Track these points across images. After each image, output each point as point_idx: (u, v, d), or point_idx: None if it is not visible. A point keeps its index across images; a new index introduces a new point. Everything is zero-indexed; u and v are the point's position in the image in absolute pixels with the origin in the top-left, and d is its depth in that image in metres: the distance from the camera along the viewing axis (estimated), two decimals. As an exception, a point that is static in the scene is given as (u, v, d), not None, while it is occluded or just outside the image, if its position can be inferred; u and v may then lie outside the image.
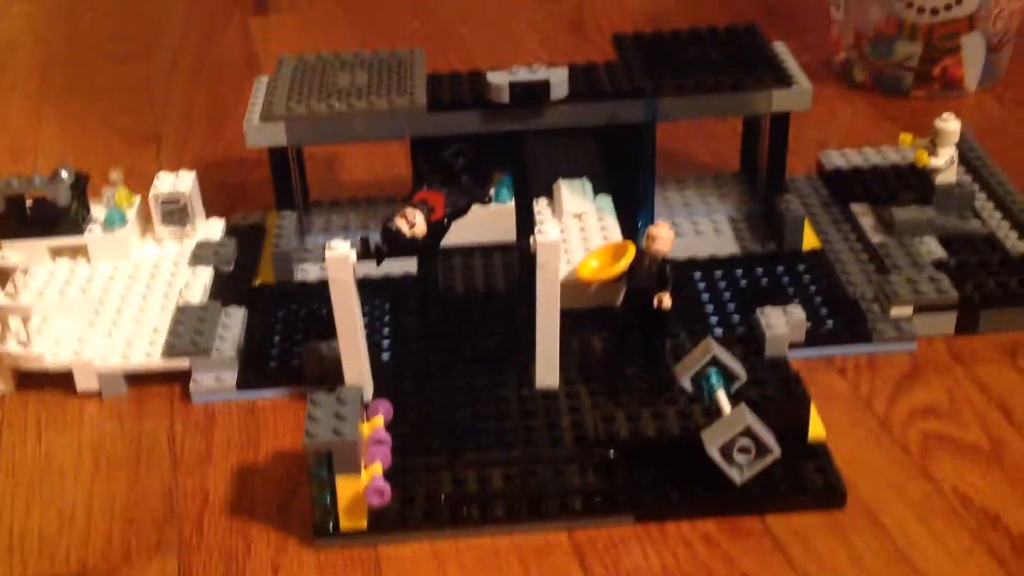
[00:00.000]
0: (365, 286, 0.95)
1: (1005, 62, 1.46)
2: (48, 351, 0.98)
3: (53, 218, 1.08)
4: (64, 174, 1.08)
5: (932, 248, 1.08)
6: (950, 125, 1.09)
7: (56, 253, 1.10)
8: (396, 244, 0.88)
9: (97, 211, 1.12)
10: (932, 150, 1.10)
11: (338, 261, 0.86)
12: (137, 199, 1.13)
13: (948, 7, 1.38)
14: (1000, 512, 0.83)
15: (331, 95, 1.09)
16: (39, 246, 1.08)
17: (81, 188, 1.10)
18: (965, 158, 1.18)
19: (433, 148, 1.04)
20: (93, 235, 1.09)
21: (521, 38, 1.68)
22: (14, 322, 0.98)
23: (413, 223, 0.88)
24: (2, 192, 1.06)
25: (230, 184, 1.31)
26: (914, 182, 1.15)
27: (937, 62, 1.42)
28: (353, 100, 1.08)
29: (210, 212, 1.17)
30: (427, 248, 0.90)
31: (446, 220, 0.91)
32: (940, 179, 1.11)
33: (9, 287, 0.97)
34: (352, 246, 0.86)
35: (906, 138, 1.12)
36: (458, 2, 1.81)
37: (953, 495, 0.85)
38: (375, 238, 0.89)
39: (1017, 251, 1.07)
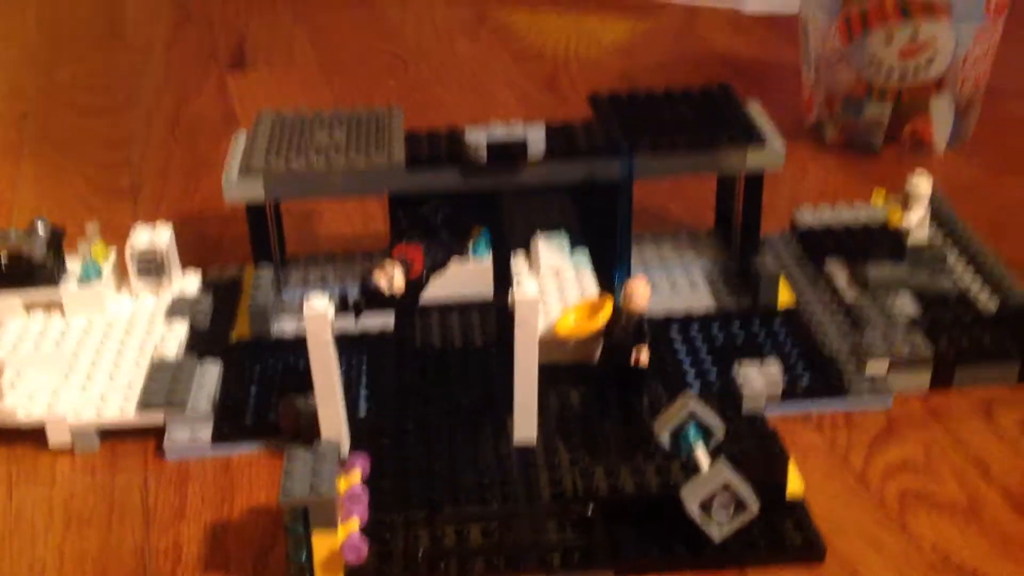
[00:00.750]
0: (342, 341, 0.94)
1: (973, 123, 1.49)
2: (21, 406, 0.97)
3: (28, 272, 1.07)
4: (40, 228, 1.07)
5: (906, 305, 1.09)
6: (921, 185, 1.11)
7: (30, 307, 1.09)
8: (375, 299, 0.88)
9: (73, 265, 1.11)
10: (904, 209, 1.12)
11: (317, 318, 0.85)
12: (113, 253, 1.12)
13: (916, 71, 1.40)
14: (978, 568, 0.83)
15: (310, 151, 1.10)
16: (13, 300, 1.07)
17: (57, 242, 1.09)
18: (936, 217, 1.20)
19: (412, 203, 1.04)
20: (68, 289, 1.08)
21: (497, 96, 1.69)
22: (-13, 376, 0.97)
23: (392, 278, 0.88)
24: (-23, 246, 1.06)
25: (207, 238, 1.31)
26: (887, 240, 1.16)
27: (907, 122, 1.44)
28: (332, 156, 1.09)
29: (186, 265, 1.16)
30: (406, 304, 0.90)
31: (425, 275, 0.91)
32: (913, 237, 1.13)
33: (-18, 341, 0.96)
34: (330, 301, 0.86)
35: (878, 196, 1.14)
36: (434, 61, 1.83)
37: (932, 551, 0.85)
38: (353, 293, 0.89)
39: (989, 308, 1.08)
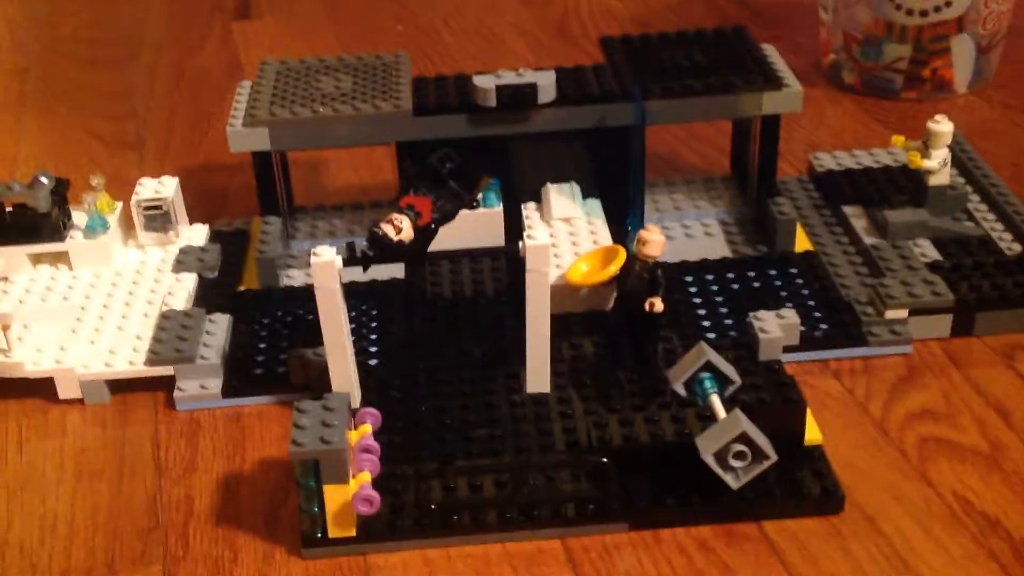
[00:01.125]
0: (351, 292, 0.93)
1: (995, 63, 1.45)
2: (29, 359, 0.96)
3: (33, 224, 1.06)
4: (44, 180, 1.05)
5: (926, 250, 1.07)
6: (943, 127, 1.08)
7: (37, 260, 1.08)
8: (383, 249, 0.86)
9: (78, 217, 1.10)
10: (925, 152, 1.09)
11: (324, 267, 0.84)
12: (119, 205, 1.11)
13: (937, 9, 1.37)
14: (1000, 516, 0.82)
15: (315, 100, 1.08)
16: (19, 253, 1.06)
17: (62, 194, 1.08)
18: (958, 160, 1.18)
19: (419, 153, 1.02)
20: (75, 241, 1.07)
21: (507, 42, 1.66)
22: (-6, 330, 0.96)
23: (400, 228, 0.86)
24: (-20, 198, 1.05)
25: (213, 190, 1.30)
26: (907, 184, 1.14)
27: (927, 64, 1.41)
28: (338, 104, 1.07)
29: (193, 219, 1.15)
30: (414, 253, 0.89)
31: (433, 225, 0.89)
32: (933, 181, 1.10)
33: (-12, 294, 0.95)
34: (338, 252, 0.85)
35: (899, 140, 1.12)
36: (442, 6, 1.80)
37: (953, 499, 0.83)
38: (361, 243, 0.87)
39: (1012, 253, 1.06)
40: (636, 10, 1.74)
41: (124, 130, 1.46)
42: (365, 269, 0.88)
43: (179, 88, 1.57)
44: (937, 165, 1.09)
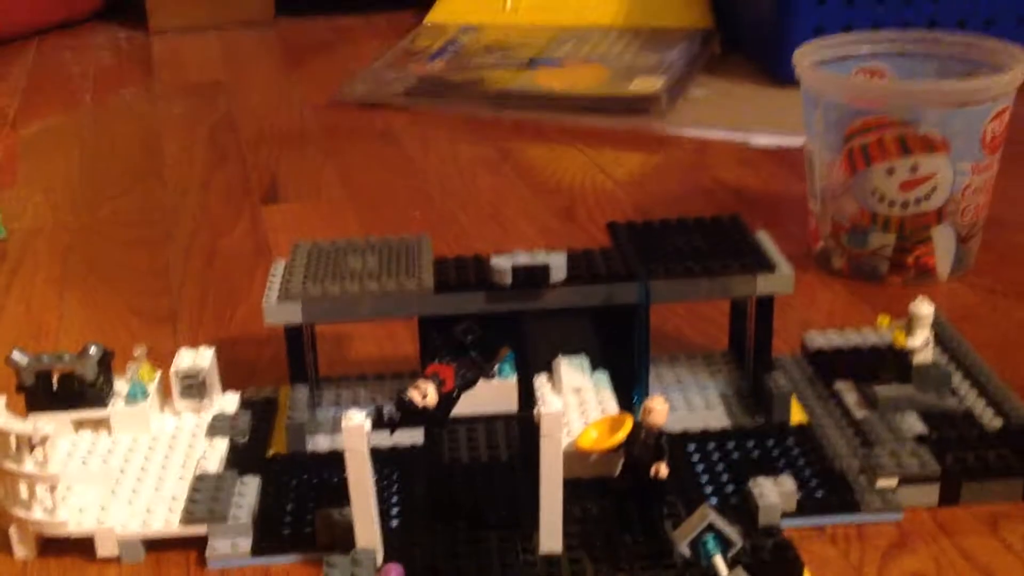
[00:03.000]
0: (374, 456, 0.99)
1: (975, 251, 1.55)
2: (72, 518, 1.02)
3: (79, 392, 1.13)
4: (93, 350, 1.13)
5: (913, 424, 1.13)
6: (924, 309, 1.17)
7: (79, 425, 1.14)
8: (409, 414, 0.93)
9: (119, 385, 1.17)
10: (909, 332, 1.17)
11: (354, 430, 0.91)
12: (158, 374, 1.19)
13: (917, 201, 1.48)
14: (989, 675, 0.86)
15: (344, 277, 1.17)
16: (63, 419, 1.13)
17: (107, 364, 1.15)
18: (941, 340, 1.25)
19: (442, 326, 1.10)
20: (116, 408, 1.14)
21: (518, 226, 1.77)
22: (41, 490, 1.02)
23: (425, 394, 0.94)
24: (32, 367, 1.12)
25: (242, 362, 1.37)
26: (894, 362, 1.21)
27: (910, 252, 1.51)
28: (365, 282, 1.15)
29: (224, 387, 1.22)
30: (437, 418, 0.96)
31: (456, 392, 0.96)
32: (918, 359, 1.18)
33: (38, 455, 1.01)
34: (367, 416, 0.92)
35: (884, 320, 1.20)
36: (458, 194, 1.92)
37: (943, 658, 0.88)
38: (388, 409, 0.95)
39: (993, 427, 1.13)
40: (639, 199, 1.86)
41: (159, 305, 1.55)
42: (392, 432, 0.94)
43: (211, 267, 1.67)
44: (920, 344, 1.17)
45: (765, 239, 1.24)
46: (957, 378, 1.22)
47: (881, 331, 1.29)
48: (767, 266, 1.17)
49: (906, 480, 1.06)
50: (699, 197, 1.85)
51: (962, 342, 1.28)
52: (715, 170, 1.98)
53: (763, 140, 2.08)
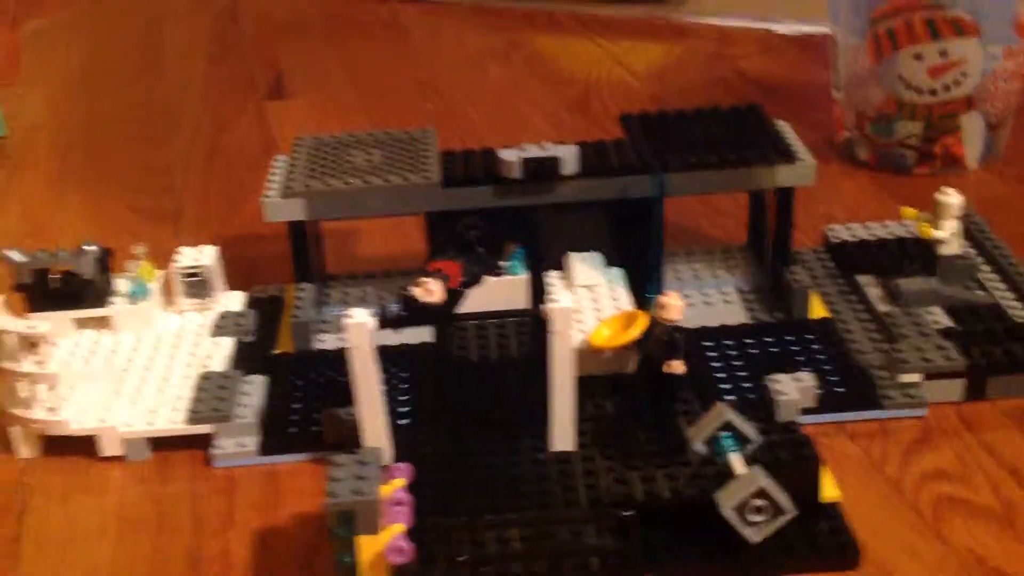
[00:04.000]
0: (382, 354, 0.97)
1: (1005, 140, 1.50)
2: (73, 418, 1.00)
3: (78, 291, 1.10)
4: (89, 248, 1.10)
5: (938, 318, 1.10)
6: (951, 199, 1.12)
7: (81, 324, 1.12)
8: (413, 311, 0.90)
9: (120, 284, 1.14)
10: (935, 223, 1.13)
11: (358, 328, 0.88)
12: (160, 273, 1.16)
13: (947, 88, 1.42)
14: (1014, 573, 0.84)
15: (348, 172, 1.13)
16: (64, 318, 1.11)
17: (105, 262, 1.12)
18: (968, 231, 1.21)
19: (448, 223, 1.07)
20: (117, 307, 1.11)
21: (529, 119, 1.72)
22: (42, 390, 1.00)
23: (431, 291, 0.91)
24: (29, 266, 1.09)
25: (247, 259, 1.34)
26: (918, 254, 1.17)
27: (937, 141, 1.46)
28: (369, 177, 1.12)
29: (230, 286, 1.19)
30: (444, 315, 0.93)
31: (462, 288, 0.93)
32: (944, 251, 1.14)
33: (37, 355, 0.99)
34: (372, 314, 0.89)
35: (909, 211, 1.16)
36: (467, 86, 1.87)
37: (968, 555, 0.86)
38: (393, 306, 0.92)
39: (1021, 319, 1.09)
40: (656, 91, 1.80)
41: (161, 203, 1.52)
42: (398, 330, 0.92)
43: (214, 164, 1.63)
44: (947, 235, 1.13)
45: (786, 129, 1.19)
46: (984, 270, 1.18)
47: (906, 224, 1.24)
48: (788, 156, 1.12)
49: (930, 375, 1.03)
50: (719, 88, 1.80)
51: (990, 233, 1.23)
52: (736, 60, 1.91)
53: (786, 27, 2.01)
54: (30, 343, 1.00)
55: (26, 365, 0.99)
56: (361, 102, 1.82)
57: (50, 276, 1.10)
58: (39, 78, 2.04)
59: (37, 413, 1.00)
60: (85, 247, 1.11)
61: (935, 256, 1.14)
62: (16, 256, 1.09)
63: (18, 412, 1.00)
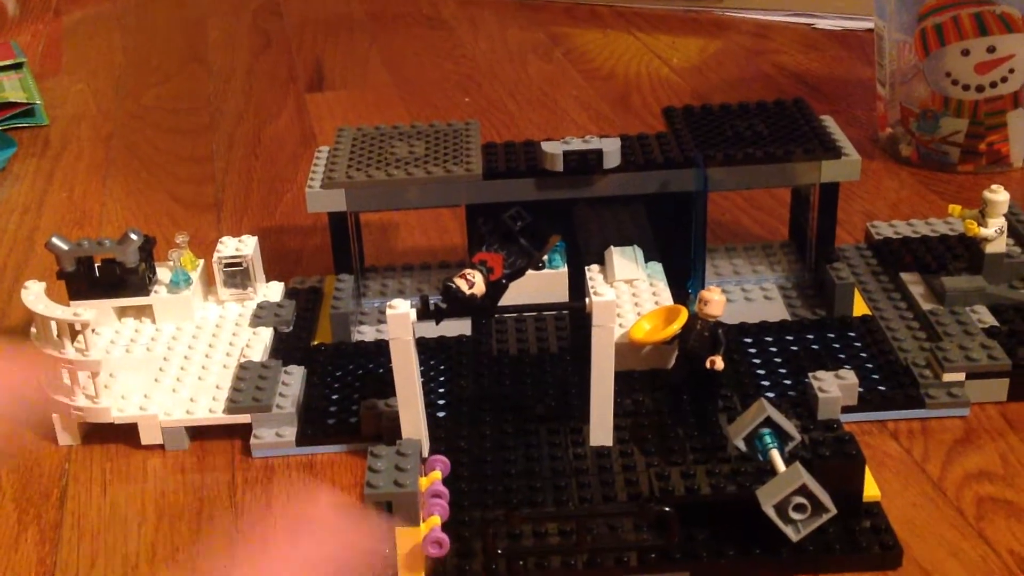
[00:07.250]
0: (421, 347, 0.97)
1: (1051, 138, 1.47)
2: (114, 406, 1.01)
3: (121, 279, 1.11)
4: (133, 236, 1.11)
5: (983, 316, 1.08)
6: (999, 196, 1.11)
7: (122, 313, 1.13)
8: (455, 302, 0.90)
9: (162, 273, 1.15)
10: (981, 220, 1.12)
11: (399, 319, 0.88)
12: (201, 262, 1.16)
13: (993, 85, 1.40)
14: (1058, 575, 0.83)
15: (390, 164, 1.13)
16: (106, 306, 1.11)
17: (148, 251, 1.13)
18: (1014, 229, 1.19)
19: (490, 214, 1.06)
20: (159, 296, 1.12)
21: (570, 113, 1.72)
22: (83, 377, 1.00)
23: (473, 282, 0.90)
24: (73, 253, 1.10)
25: (288, 250, 1.35)
26: (963, 252, 1.16)
27: (983, 138, 1.44)
28: (411, 168, 1.12)
29: (269, 276, 1.20)
30: (485, 307, 0.92)
31: (504, 280, 0.93)
32: (990, 249, 1.12)
33: (79, 343, 1.00)
34: (412, 305, 0.89)
35: (956, 209, 1.14)
36: (507, 79, 1.86)
37: (1009, 557, 0.84)
38: (434, 298, 0.91)
39: (1068, 320, 1.08)
40: (697, 85, 1.79)
41: (203, 193, 1.53)
42: (438, 322, 0.91)
43: (256, 155, 1.64)
44: (994, 233, 1.11)
45: (831, 124, 1.18)
46: (1031, 270, 1.16)
47: (950, 221, 1.23)
48: (833, 152, 1.11)
49: (974, 374, 1.01)
50: (760, 83, 1.78)
51: (1037, 232, 1.21)
52: (777, 55, 1.90)
53: (829, 22, 1.99)
54: (73, 330, 1.00)
55: (69, 352, 1.00)
56: (401, 96, 1.83)
57: (97, 264, 1.11)
58: (81, 68, 2.06)
59: (79, 400, 1.01)
60: (130, 235, 1.11)
61: (980, 254, 1.13)
62: (60, 244, 1.10)
63: (60, 399, 1.01)
